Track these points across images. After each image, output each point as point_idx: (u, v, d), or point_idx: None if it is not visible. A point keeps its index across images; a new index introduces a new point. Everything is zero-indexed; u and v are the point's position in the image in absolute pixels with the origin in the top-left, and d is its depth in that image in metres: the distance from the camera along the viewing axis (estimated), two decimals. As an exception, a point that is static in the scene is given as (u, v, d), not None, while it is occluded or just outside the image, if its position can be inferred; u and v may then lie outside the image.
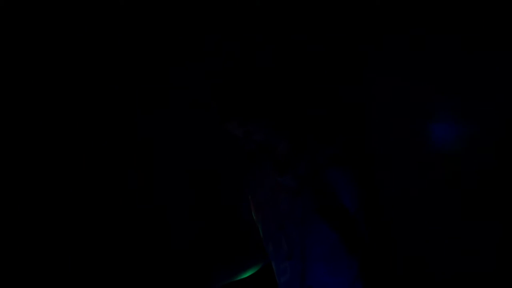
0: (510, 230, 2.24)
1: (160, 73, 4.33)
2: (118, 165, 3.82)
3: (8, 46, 3.36)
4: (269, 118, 1.92)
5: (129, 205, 3.62)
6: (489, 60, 2.44)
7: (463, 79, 2.31)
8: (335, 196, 1.90)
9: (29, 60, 3.60)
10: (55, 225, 3.21)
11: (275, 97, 1.94)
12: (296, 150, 1.97)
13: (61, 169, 3.49)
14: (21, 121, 3.56)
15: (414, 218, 5.11)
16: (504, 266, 2.14)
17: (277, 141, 1.97)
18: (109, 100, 3.92)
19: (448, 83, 2.46)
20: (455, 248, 5.09)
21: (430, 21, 2.22)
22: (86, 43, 3.85)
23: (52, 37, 3.61)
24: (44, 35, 3.62)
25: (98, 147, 3.69)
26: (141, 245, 3.56)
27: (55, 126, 3.67)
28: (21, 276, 2.65)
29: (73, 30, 3.67)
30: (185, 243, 3.71)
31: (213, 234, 3.76)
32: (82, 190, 3.44)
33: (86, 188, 3.47)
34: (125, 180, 3.76)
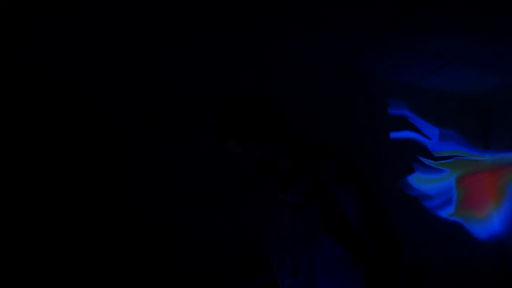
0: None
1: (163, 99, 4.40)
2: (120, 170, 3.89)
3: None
4: (268, 135, 1.89)
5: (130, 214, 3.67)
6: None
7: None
8: (338, 210, 1.90)
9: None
10: (54, 226, 3.22)
11: (273, 115, 1.93)
12: (296, 166, 1.96)
13: (61, 169, 3.53)
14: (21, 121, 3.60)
15: (419, 227, 5.11)
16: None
17: (277, 157, 1.96)
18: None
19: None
20: (460, 256, 5.07)
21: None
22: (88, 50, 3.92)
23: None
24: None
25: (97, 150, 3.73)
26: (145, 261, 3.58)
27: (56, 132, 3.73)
28: (21, 276, 2.64)
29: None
30: (189, 263, 3.74)
31: (217, 253, 3.79)
32: (82, 191, 3.47)
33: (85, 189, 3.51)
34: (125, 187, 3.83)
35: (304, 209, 1.93)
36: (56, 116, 3.74)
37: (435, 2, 3.74)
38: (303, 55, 4.70)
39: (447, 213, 5.45)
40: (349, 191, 1.88)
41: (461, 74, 5.22)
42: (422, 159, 5.37)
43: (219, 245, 3.96)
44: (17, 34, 3.69)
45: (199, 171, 4.16)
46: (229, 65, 4.48)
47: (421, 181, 5.34)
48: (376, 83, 5.25)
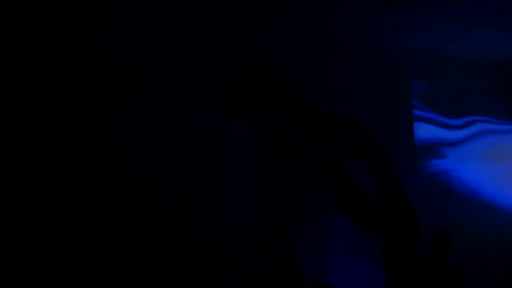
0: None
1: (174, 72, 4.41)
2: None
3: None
4: (278, 108, 1.87)
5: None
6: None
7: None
8: (352, 183, 1.86)
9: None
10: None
11: (282, 88, 1.90)
12: (308, 138, 1.93)
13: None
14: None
15: (437, 198, 5.08)
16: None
17: (288, 131, 1.93)
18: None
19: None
20: (478, 228, 5.02)
21: None
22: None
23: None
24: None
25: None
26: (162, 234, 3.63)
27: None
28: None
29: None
30: (205, 234, 3.78)
31: (230, 228, 3.82)
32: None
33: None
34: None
35: (317, 182, 1.89)
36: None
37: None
38: (321, 23, 4.63)
39: (469, 181, 5.38)
40: (362, 165, 1.83)
41: (487, 39, 5.07)
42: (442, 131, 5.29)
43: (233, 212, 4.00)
44: None
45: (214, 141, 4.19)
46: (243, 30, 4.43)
47: (442, 147, 5.27)
48: (400, 49, 5.14)
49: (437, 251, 4.82)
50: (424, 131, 5.22)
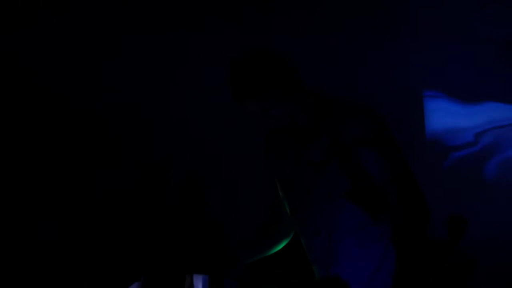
0: None
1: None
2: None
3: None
4: (286, 91, 1.84)
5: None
6: None
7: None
8: (363, 170, 1.84)
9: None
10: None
11: (290, 71, 1.87)
12: (317, 123, 1.91)
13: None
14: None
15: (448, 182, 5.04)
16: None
17: (297, 115, 1.90)
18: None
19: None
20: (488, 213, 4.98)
21: None
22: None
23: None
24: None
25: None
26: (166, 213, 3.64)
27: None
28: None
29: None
30: (215, 217, 3.79)
31: (240, 211, 3.83)
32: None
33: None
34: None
35: (326, 169, 1.87)
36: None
37: None
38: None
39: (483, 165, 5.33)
40: (373, 153, 1.82)
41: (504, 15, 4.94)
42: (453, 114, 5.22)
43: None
44: None
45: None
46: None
47: (454, 129, 5.20)
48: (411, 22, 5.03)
49: (452, 234, 4.81)
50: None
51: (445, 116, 5.33)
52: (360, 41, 4.95)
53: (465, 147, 5.37)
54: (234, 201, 4.08)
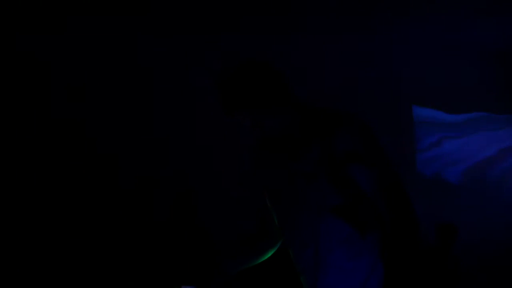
0: None
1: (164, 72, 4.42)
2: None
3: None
4: (276, 103, 1.84)
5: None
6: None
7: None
8: (351, 180, 1.83)
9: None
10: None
11: (280, 83, 1.87)
12: (307, 134, 1.90)
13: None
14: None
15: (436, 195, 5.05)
16: None
17: (288, 126, 1.90)
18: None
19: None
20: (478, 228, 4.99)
21: None
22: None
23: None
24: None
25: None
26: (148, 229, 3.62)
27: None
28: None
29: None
30: (205, 227, 3.77)
31: (227, 223, 3.81)
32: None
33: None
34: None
35: (315, 181, 1.87)
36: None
37: None
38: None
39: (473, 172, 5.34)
40: (362, 167, 1.82)
41: (488, 25, 4.98)
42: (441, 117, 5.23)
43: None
44: None
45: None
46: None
47: (443, 141, 5.23)
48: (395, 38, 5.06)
49: (442, 241, 4.82)
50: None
51: (433, 123, 5.36)
52: (346, 45, 4.97)
53: (452, 154, 5.39)
54: (224, 212, 4.06)
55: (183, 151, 4.25)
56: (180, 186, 3.85)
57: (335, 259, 1.88)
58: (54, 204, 3.44)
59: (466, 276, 4.73)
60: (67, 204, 3.49)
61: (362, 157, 1.81)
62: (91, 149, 3.82)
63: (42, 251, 3.04)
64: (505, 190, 5.47)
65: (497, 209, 5.40)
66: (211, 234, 3.71)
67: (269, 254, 2.14)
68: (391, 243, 1.86)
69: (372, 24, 4.83)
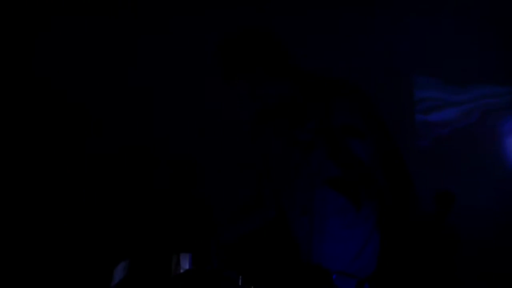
0: None
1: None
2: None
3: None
4: (275, 69, 1.83)
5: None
6: None
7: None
8: (349, 149, 1.84)
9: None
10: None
11: (279, 49, 1.86)
12: (306, 103, 1.90)
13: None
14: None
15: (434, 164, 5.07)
16: None
17: (286, 94, 1.89)
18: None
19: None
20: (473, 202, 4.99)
21: None
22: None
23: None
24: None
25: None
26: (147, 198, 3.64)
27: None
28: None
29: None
30: (205, 197, 3.79)
31: (226, 191, 3.82)
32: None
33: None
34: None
35: (313, 149, 1.87)
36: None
37: None
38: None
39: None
40: (359, 140, 1.82)
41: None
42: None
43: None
44: None
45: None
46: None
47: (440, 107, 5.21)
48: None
49: (440, 209, 4.85)
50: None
51: (433, 93, 5.33)
52: (344, 18, 4.91)
53: (452, 124, 5.38)
54: (223, 180, 4.07)
55: (183, 120, 4.23)
56: (179, 155, 3.85)
57: (330, 227, 1.89)
58: (51, 170, 3.44)
59: (463, 244, 4.78)
60: (64, 169, 3.49)
61: (360, 129, 1.81)
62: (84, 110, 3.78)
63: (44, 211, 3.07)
64: (504, 158, 5.49)
65: (495, 177, 5.43)
66: (210, 202, 3.73)
67: (266, 224, 2.16)
68: (387, 212, 1.87)
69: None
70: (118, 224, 3.16)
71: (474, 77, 5.45)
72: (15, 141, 3.60)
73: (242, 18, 4.24)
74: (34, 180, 3.40)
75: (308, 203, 1.91)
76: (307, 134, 1.88)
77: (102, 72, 4.12)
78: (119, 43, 4.22)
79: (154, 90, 4.27)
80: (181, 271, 1.87)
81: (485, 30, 5.52)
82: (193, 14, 4.39)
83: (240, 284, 1.82)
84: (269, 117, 2.01)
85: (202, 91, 4.22)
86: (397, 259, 1.88)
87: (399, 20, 5.12)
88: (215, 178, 3.99)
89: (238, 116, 3.20)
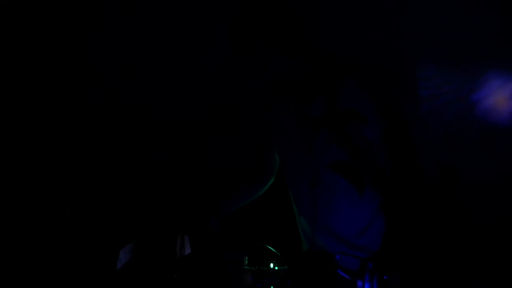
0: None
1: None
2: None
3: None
4: (290, 46, 1.86)
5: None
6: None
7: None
8: (358, 126, 1.85)
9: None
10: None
11: (291, 21, 1.87)
12: (317, 80, 1.91)
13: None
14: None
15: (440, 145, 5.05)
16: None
17: (298, 69, 1.91)
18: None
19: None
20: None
21: None
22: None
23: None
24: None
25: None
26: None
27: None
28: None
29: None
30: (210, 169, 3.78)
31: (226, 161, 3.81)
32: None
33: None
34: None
35: (321, 126, 1.88)
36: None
37: None
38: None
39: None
40: (363, 120, 1.84)
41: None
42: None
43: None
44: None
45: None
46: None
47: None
48: None
49: (445, 183, 4.84)
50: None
51: (439, 70, 5.27)
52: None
53: (458, 101, 5.34)
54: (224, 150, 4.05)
55: (187, 92, 4.18)
56: (180, 127, 3.82)
57: (337, 202, 1.91)
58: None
59: (469, 219, 4.78)
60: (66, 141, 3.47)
61: (364, 113, 1.82)
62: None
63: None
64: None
65: (502, 152, 5.39)
66: (210, 174, 3.72)
67: (262, 191, 2.20)
68: (393, 195, 1.88)
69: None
70: (122, 205, 3.18)
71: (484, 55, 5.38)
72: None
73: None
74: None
75: (317, 178, 1.92)
76: (316, 111, 1.89)
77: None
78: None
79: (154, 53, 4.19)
80: (186, 253, 1.89)
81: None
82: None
83: (246, 264, 1.84)
84: (279, 91, 2.03)
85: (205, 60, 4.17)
86: (402, 240, 1.89)
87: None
88: (215, 150, 3.97)
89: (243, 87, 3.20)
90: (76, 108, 3.40)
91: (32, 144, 3.24)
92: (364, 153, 1.86)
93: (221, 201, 2.08)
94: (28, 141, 3.21)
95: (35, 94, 3.48)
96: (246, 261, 1.84)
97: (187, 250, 1.89)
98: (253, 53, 1.83)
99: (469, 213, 4.78)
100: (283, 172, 2.09)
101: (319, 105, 1.88)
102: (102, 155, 3.32)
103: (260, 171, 2.18)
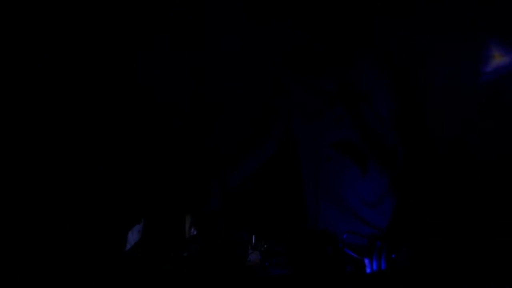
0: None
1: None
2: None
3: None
4: (309, 18, 1.86)
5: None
6: None
7: None
8: (373, 103, 1.86)
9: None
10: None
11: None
12: (332, 53, 1.90)
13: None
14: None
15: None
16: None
17: (313, 44, 1.92)
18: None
19: None
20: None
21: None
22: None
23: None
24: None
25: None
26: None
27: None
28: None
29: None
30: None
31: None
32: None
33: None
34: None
35: (338, 100, 1.89)
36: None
37: None
38: None
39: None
40: (381, 94, 1.85)
41: None
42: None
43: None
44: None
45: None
46: None
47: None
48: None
49: (454, 160, 4.82)
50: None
51: (449, 52, 5.20)
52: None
53: (470, 82, 5.28)
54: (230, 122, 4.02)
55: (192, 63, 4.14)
56: (187, 109, 3.80)
57: (350, 177, 1.93)
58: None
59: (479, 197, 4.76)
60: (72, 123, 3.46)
61: (380, 88, 1.83)
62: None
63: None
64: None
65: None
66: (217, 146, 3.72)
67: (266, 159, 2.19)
68: (402, 175, 1.87)
69: None
70: (131, 185, 3.19)
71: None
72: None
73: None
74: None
75: (330, 150, 1.93)
76: (332, 85, 1.89)
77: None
78: None
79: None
80: (195, 232, 1.90)
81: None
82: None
83: (253, 243, 1.85)
84: (294, 63, 2.03)
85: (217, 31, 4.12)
86: (411, 218, 1.89)
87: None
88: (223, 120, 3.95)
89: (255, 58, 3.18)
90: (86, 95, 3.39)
91: (35, 134, 3.25)
92: (376, 130, 1.86)
93: (227, 168, 2.09)
94: (31, 133, 3.21)
95: (35, 94, 3.48)
96: (254, 241, 1.85)
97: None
98: (270, 21, 1.87)
99: (479, 192, 4.76)
100: (296, 143, 2.09)
101: (334, 79, 1.88)
102: (110, 135, 3.32)
103: (266, 136, 2.17)
